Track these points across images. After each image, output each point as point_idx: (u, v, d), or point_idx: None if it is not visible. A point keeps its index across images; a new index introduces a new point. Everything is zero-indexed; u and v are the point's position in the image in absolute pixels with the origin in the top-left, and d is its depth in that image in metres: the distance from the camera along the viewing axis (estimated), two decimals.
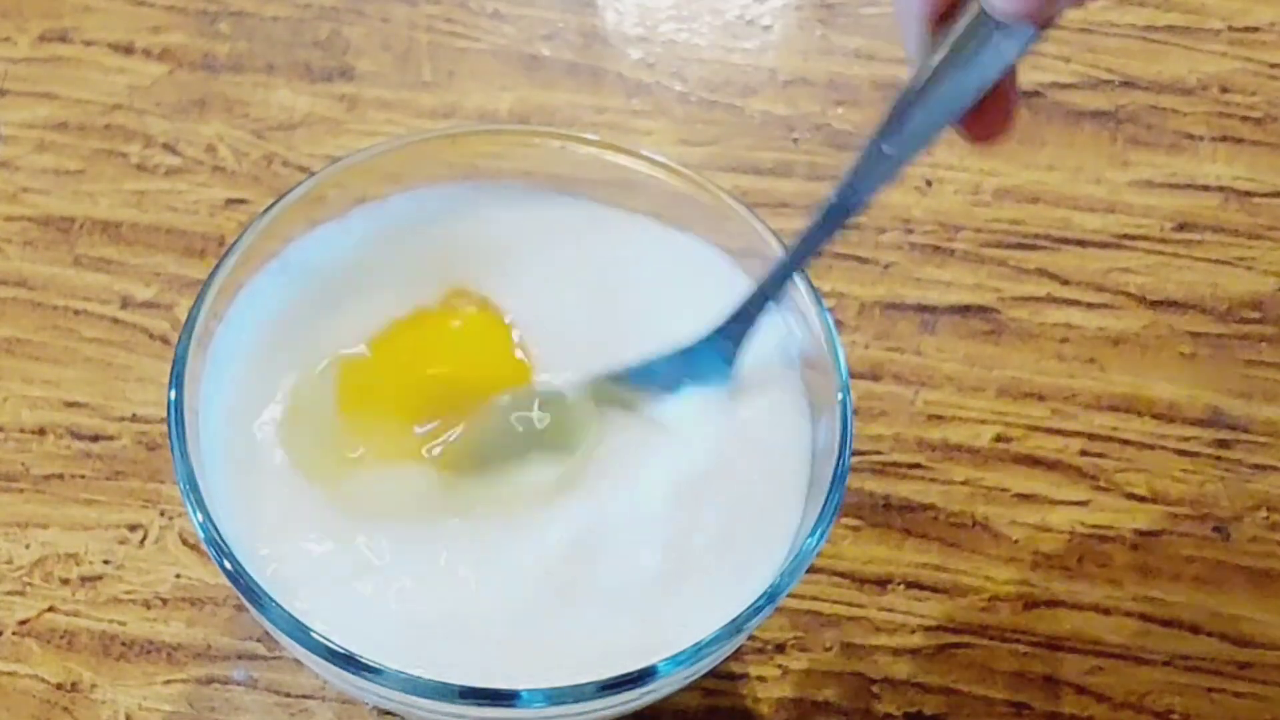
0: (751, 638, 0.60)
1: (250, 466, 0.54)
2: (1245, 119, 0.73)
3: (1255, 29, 0.76)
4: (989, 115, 0.49)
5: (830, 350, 0.54)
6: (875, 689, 0.60)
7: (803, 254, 0.54)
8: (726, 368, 0.55)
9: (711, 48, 0.75)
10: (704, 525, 0.53)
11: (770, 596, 0.49)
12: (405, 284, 0.58)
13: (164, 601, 0.61)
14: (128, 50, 0.73)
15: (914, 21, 0.48)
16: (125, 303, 0.67)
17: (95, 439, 0.64)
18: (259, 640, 0.60)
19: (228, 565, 0.49)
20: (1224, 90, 0.74)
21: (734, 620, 0.49)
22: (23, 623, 0.60)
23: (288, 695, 0.59)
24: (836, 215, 0.52)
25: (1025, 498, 0.64)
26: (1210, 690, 0.61)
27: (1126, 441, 0.65)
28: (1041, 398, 0.66)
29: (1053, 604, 0.62)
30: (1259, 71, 0.74)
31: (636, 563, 0.53)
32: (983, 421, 0.66)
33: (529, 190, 0.59)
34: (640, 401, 0.55)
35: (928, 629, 0.61)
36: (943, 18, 0.48)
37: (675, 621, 0.51)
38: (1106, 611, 0.62)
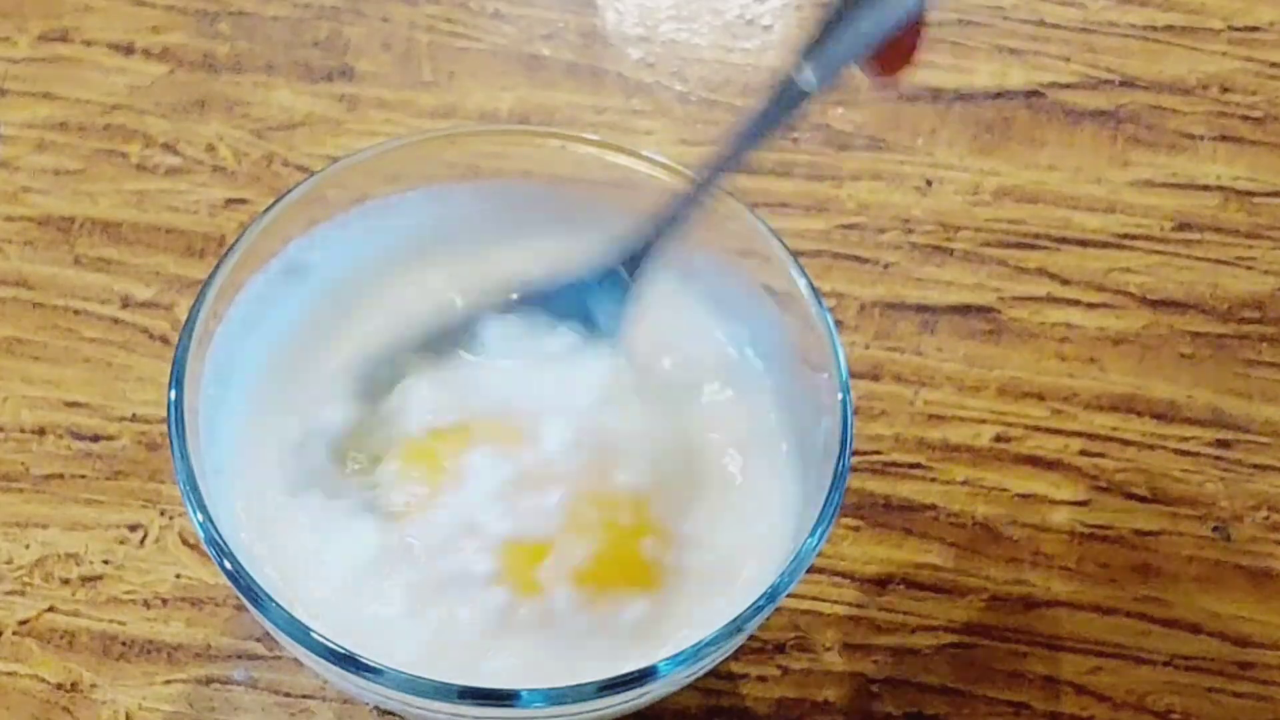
0: (751, 638, 0.60)
1: (250, 466, 0.54)
2: (1245, 119, 0.73)
3: (1255, 29, 0.76)
4: (898, 49, 0.50)
5: (830, 350, 0.54)
6: (875, 689, 0.60)
7: (707, 182, 0.54)
8: (618, 310, 0.55)
9: (711, 48, 0.75)
10: (704, 525, 0.54)
11: (770, 596, 0.49)
12: (405, 285, 0.58)
13: (164, 601, 0.61)
14: (128, 50, 0.73)
15: None
16: (125, 303, 0.67)
17: (95, 439, 0.64)
18: (259, 640, 0.60)
19: (228, 565, 0.49)
20: (1224, 90, 0.74)
21: (734, 620, 0.49)
22: (23, 623, 0.60)
23: (288, 695, 0.59)
24: (743, 144, 0.53)
25: (1025, 498, 0.64)
26: (1210, 690, 0.61)
27: (1126, 441, 0.65)
28: (1041, 398, 0.66)
29: (1053, 604, 0.62)
30: (1259, 71, 0.74)
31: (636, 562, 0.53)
32: (983, 421, 0.66)
33: (529, 190, 0.59)
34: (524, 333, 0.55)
35: (928, 629, 0.61)
36: None
37: (675, 622, 0.51)
38: (1106, 611, 0.62)
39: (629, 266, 0.55)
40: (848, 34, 0.50)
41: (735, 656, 0.60)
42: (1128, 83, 0.74)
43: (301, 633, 0.48)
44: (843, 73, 0.51)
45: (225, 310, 0.55)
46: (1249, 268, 0.69)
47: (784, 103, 0.52)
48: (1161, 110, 0.73)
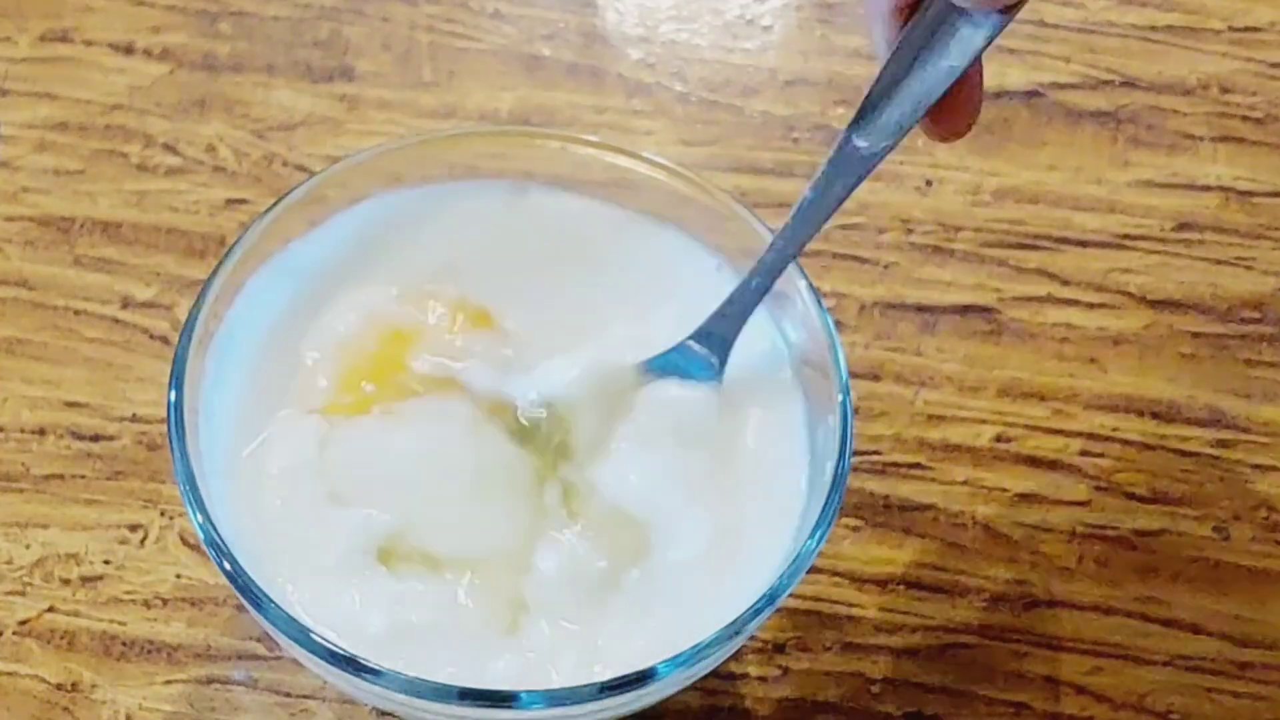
0: (751, 638, 0.60)
1: (250, 467, 0.54)
2: (1245, 119, 0.73)
3: (1255, 29, 0.75)
4: (954, 109, 0.50)
5: (830, 350, 0.54)
6: (875, 689, 0.60)
7: (785, 255, 0.54)
8: (715, 371, 0.55)
9: (711, 48, 0.75)
10: (704, 526, 0.54)
11: (770, 598, 0.49)
12: (405, 285, 0.58)
13: (164, 601, 0.61)
14: (128, 50, 0.73)
15: (881, 15, 0.48)
16: (125, 303, 0.67)
17: (95, 439, 0.64)
18: (259, 640, 0.60)
19: (227, 566, 0.49)
20: (1224, 90, 0.74)
21: (734, 622, 0.49)
22: (23, 623, 0.60)
23: (288, 695, 0.59)
24: (814, 215, 0.53)
25: (1025, 498, 0.64)
26: (1210, 690, 0.61)
27: (1126, 441, 0.65)
28: (1041, 398, 0.66)
29: (1053, 604, 0.62)
30: (1259, 71, 0.74)
31: (636, 564, 0.53)
32: (983, 421, 0.66)
33: (529, 190, 0.59)
34: (635, 400, 0.55)
35: (928, 629, 0.61)
36: (909, 10, 0.48)
37: (676, 622, 0.51)
38: (1106, 611, 0.62)
39: (717, 342, 0.55)
40: (899, 97, 0.49)
41: (735, 656, 0.60)
42: (1128, 83, 0.74)
43: (301, 634, 0.48)
44: (902, 137, 0.50)
45: (225, 310, 0.55)
46: (1249, 268, 0.69)
47: (845, 171, 0.51)
48: (1161, 110, 0.73)
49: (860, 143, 0.51)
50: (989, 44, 0.47)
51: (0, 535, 0.62)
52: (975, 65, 0.48)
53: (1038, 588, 0.62)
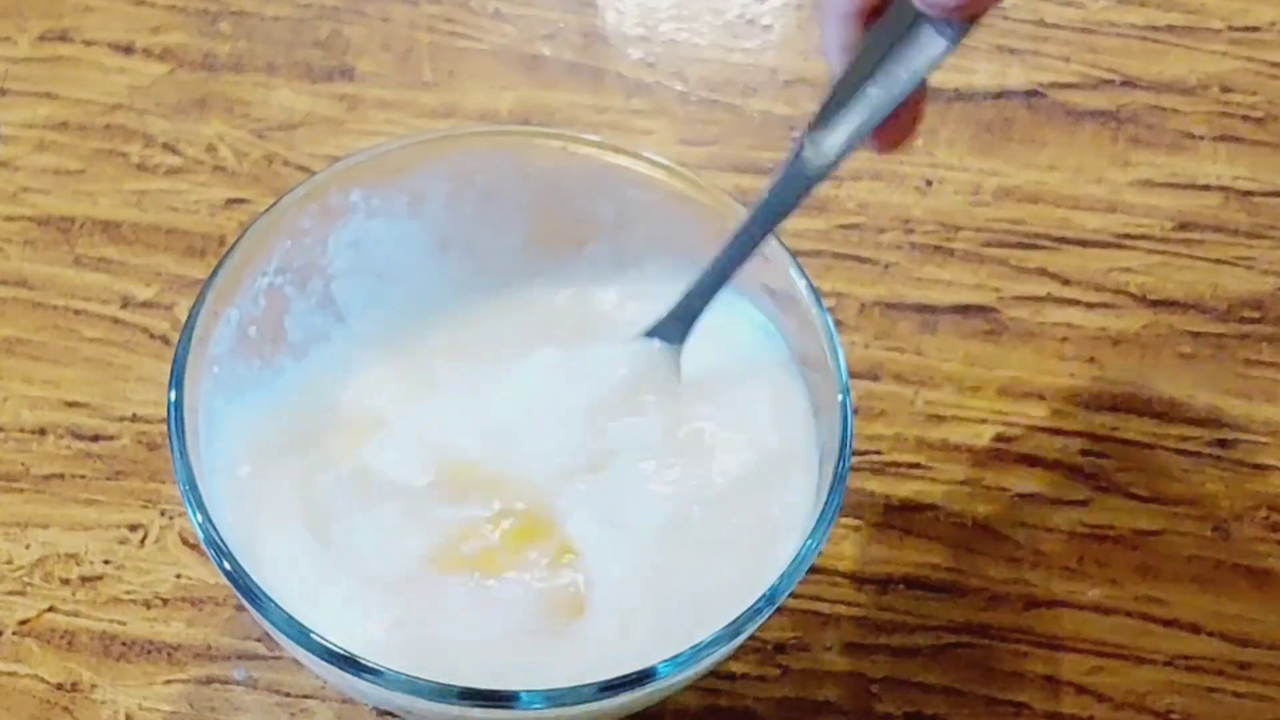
0: (751, 637, 0.60)
1: (250, 467, 0.54)
2: (1245, 119, 0.73)
3: (1255, 29, 0.75)
4: (901, 120, 0.49)
5: (830, 350, 0.54)
6: (875, 689, 0.60)
7: (736, 258, 0.54)
8: (674, 371, 0.56)
9: (712, 47, 0.75)
10: (704, 526, 0.54)
11: (770, 598, 0.49)
12: (405, 284, 0.58)
13: (164, 601, 0.61)
14: (128, 50, 0.73)
15: (837, 20, 0.48)
16: (125, 303, 0.67)
17: (95, 439, 0.64)
18: (259, 640, 0.60)
19: (227, 566, 0.49)
20: (1224, 90, 0.74)
21: (733, 622, 0.49)
22: (23, 623, 0.60)
23: (288, 695, 0.59)
24: (768, 218, 0.53)
25: (1025, 498, 0.64)
26: (1210, 690, 0.61)
27: (1126, 441, 0.65)
28: (1041, 398, 0.66)
29: (1053, 604, 0.62)
30: (1259, 71, 0.74)
31: (636, 564, 0.53)
32: (983, 421, 0.66)
33: (528, 190, 0.59)
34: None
35: (928, 629, 0.61)
36: (866, 15, 0.48)
37: (675, 622, 0.51)
38: (1106, 611, 0.62)
39: (674, 333, 0.56)
40: (857, 105, 0.49)
41: (735, 656, 0.60)
42: (1128, 83, 0.74)
43: (301, 634, 0.48)
44: (854, 148, 0.50)
45: (225, 310, 0.55)
46: (1249, 268, 0.69)
47: (798, 180, 0.51)
48: (1161, 110, 0.73)
49: (810, 154, 0.50)
50: (950, 53, 0.47)
51: (0, 535, 0.62)
52: (925, 81, 0.48)
53: (1038, 588, 0.62)
